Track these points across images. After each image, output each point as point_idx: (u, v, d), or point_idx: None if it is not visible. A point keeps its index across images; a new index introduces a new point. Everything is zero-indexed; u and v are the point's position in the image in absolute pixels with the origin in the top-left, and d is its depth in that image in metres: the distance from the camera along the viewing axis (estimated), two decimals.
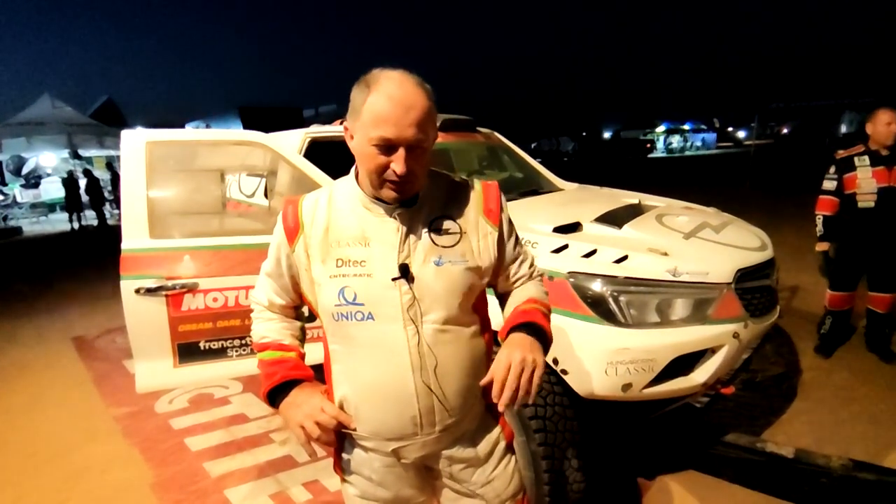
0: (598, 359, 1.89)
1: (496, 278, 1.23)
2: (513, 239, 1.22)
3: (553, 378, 2.00)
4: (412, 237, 1.07)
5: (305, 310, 1.25)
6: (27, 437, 3.15)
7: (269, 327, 1.21)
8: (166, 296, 2.07)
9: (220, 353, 2.18)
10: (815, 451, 2.34)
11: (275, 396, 1.14)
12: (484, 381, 1.05)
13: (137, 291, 2.04)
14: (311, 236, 1.10)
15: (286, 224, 1.12)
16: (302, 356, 1.20)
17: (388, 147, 0.98)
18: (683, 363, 1.98)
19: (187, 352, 2.14)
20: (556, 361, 1.97)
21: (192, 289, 2.08)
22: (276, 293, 1.20)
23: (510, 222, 1.22)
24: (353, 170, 1.13)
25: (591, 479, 2.20)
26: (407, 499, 1.22)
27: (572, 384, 1.95)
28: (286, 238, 1.12)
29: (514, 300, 1.23)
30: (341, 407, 1.14)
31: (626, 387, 1.92)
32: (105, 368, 4.15)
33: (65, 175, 14.18)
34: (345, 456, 1.21)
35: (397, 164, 0.98)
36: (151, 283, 2.05)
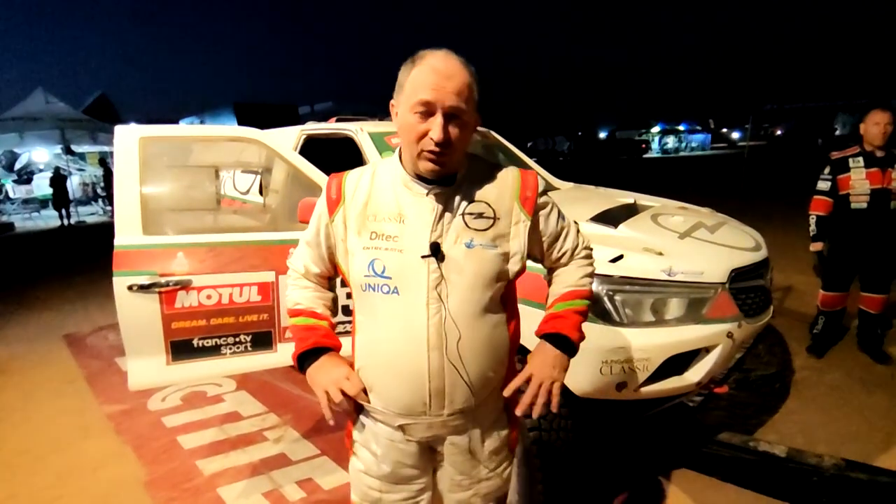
0: (593, 357, 1.89)
1: (541, 258, 1.26)
2: (554, 217, 1.23)
3: None
4: (446, 217, 1.10)
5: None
6: (19, 434, 3.13)
7: (303, 295, 1.25)
8: (159, 293, 2.05)
9: (214, 350, 2.16)
10: (807, 451, 2.35)
11: (303, 360, 1.19)
12: (507, 392, 1.16)
13: (130, 288, 2.02)
14: (350, 208, 1.14)
15: (329, 195, 1.17)
16: (333, 326, 1.26)
17: (427, 113, 1.02)
18: (678, 362, 1.99)
19: (180, 349, 2.12)
20: None
21: (185, 286, 2.07)
22: (312, 261, 1.24)
23: (551, 203, 1.23)
24: (397, 150, 1.17)
25: (584, 478, 2.20)
26: (407, 477, 1.23)
27: (566, 383, 1.94)
28: (327, 209, 1.17)
29: (556, 286, 1.27)
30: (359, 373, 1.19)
31: (621, 386, 1.92)
32: (97, 366, 4.12)
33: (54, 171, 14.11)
34: (357, 427, 1.25)
35: (435, 130, 1.01)
36: (144, 280, 2.03)
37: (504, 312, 1.18)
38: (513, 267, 1.15)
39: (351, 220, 1.13)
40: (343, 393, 1.14)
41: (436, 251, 1.07)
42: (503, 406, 1.24)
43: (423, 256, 1.07)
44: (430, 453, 1.25)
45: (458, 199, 1.12)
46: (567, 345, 1.18)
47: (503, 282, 1.15)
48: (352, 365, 1.20)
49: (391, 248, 1.08)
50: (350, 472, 1.29)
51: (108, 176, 15.35)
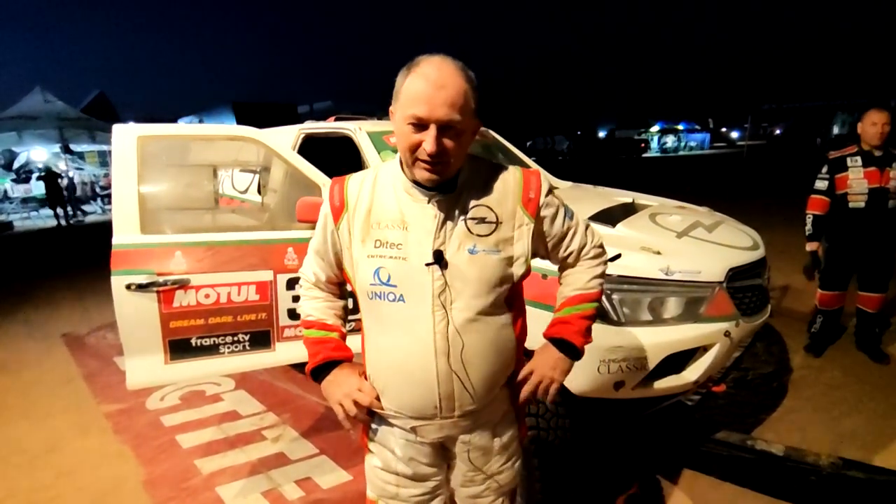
0: (591, 356, 1.89)
1: (547, 256, 1.26)
2: (560, 218, 1.21)
3: None
4: (449, 224, 1.10)
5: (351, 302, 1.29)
6: (18, 433, 3.13)
7: (314, 306, 1.27)
8: (157, 292, 2.05)
9: (212, 349, 2.16)
10: (804, 449, 2.35)
11: (317, 373, 1.22)
12: (520, 377, 1.21)
13: (128, 287, 2.01)
14: (355, 216, 1.14)
15: (332, 203, 1.17)
16: (343, 336, 1.27)
17: (420, 125, 1.01)
18: (675, 361, 1.99)
19: (179, 348, 2.12)
20: None
21: (183, 285, 2.07)
22: (321, 269, 1.25)
23: (557, 203, 1.21)
24: (398, 154, 1.16)
25: (582, 476, 2.21)
26: (424, 476, 1.25)
27: (564, 382, 1.96)
28: (332, 216, 1.17)
29: (564, 287, 1.28)
30: (368, 379, 1.21)
31: (619, 384, 1.92)
32: (96, 365, 4.12)
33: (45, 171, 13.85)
34: (373, 427, 1.26)
35: (428, 141, 1.01)
36: (142, 279, 2.03)
37: (510, 312, 1.18)
38: (517, 270, 1.15)
39: (355, 228, 1.13)
40: (357, 403, 1.16)
41: (439, 259, 1.07)
42: (510, 402, 1.26)
43: (427, 264, 1.07)
44: (444, 451, 1.26)
45: (459, 204, 1.11)
46: (570, 349, 1.22)
47: (507, 285, 1.14)
48: (363, 371, 1.22)
49: (395, 255, 1.09)
50: (366, 469, 1.31)
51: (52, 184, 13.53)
